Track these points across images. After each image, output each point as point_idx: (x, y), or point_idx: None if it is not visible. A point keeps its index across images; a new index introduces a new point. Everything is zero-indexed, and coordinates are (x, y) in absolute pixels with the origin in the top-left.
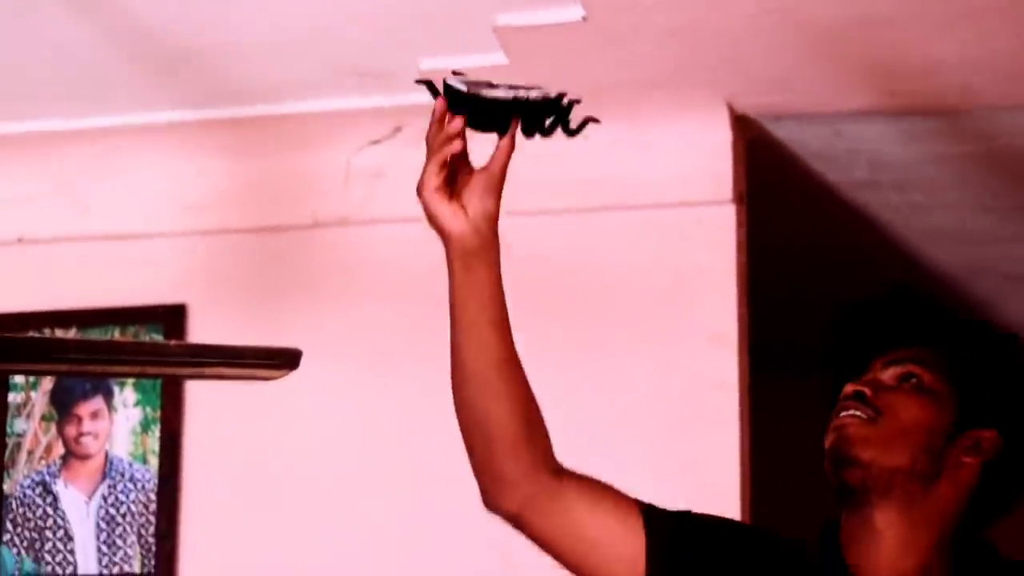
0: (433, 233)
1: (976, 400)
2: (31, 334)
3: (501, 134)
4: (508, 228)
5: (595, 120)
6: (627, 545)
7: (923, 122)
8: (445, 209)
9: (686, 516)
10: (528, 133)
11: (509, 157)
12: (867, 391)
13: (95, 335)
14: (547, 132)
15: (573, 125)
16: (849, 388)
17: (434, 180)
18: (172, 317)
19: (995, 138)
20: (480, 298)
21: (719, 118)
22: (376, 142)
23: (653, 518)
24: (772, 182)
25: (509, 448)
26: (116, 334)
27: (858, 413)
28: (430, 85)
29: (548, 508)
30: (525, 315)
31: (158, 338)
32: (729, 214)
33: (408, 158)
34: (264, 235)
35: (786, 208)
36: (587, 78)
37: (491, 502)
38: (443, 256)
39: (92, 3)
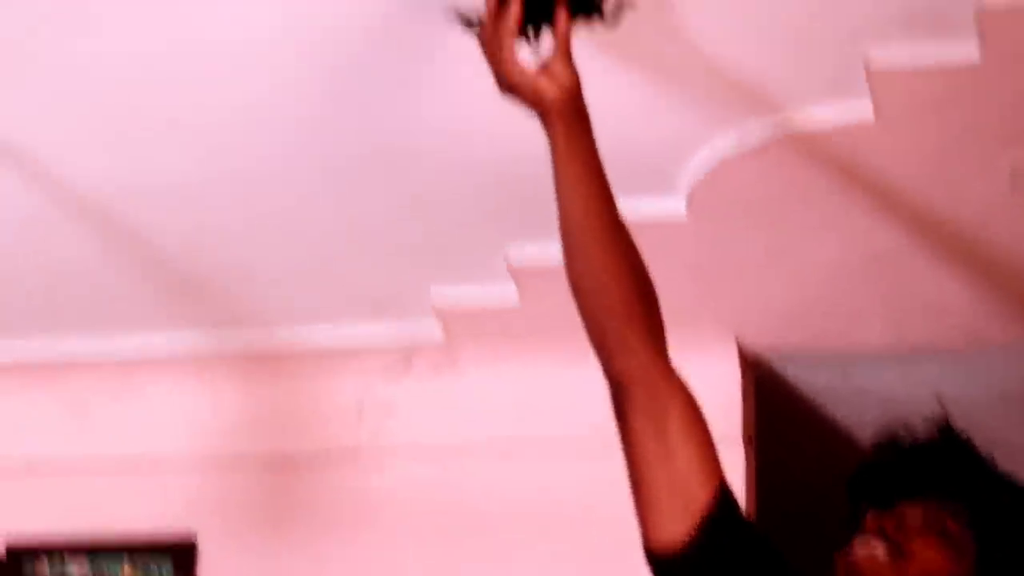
0: (445, 466)
1: (997, 558)
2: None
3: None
4: (516, 460)
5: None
6: (693, 488)
7: (931, 364)
8: (540, 79)
9: (750, 526)
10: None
11: (569, 30)
12: (891, 527)
13: (105, 564)
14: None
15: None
16: (873, 521)
17: (515, 60)
18: (182, 552)
19: (1004, 379)
20: (584, 158)
21: (728, 356)
22: (388, 374)
23: (726, 498)
24: (781, 421)
25: (625, 312)
26: (126, 567)
27: (880, 551)
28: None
29: (656, 390)
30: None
31: (167, 572)
32: (738, 454)
33: (419, 390)
34: (275, 464)
35: (796, 447)
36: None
37: (609, 364)
38: (454, 490)
39: (108, 227)
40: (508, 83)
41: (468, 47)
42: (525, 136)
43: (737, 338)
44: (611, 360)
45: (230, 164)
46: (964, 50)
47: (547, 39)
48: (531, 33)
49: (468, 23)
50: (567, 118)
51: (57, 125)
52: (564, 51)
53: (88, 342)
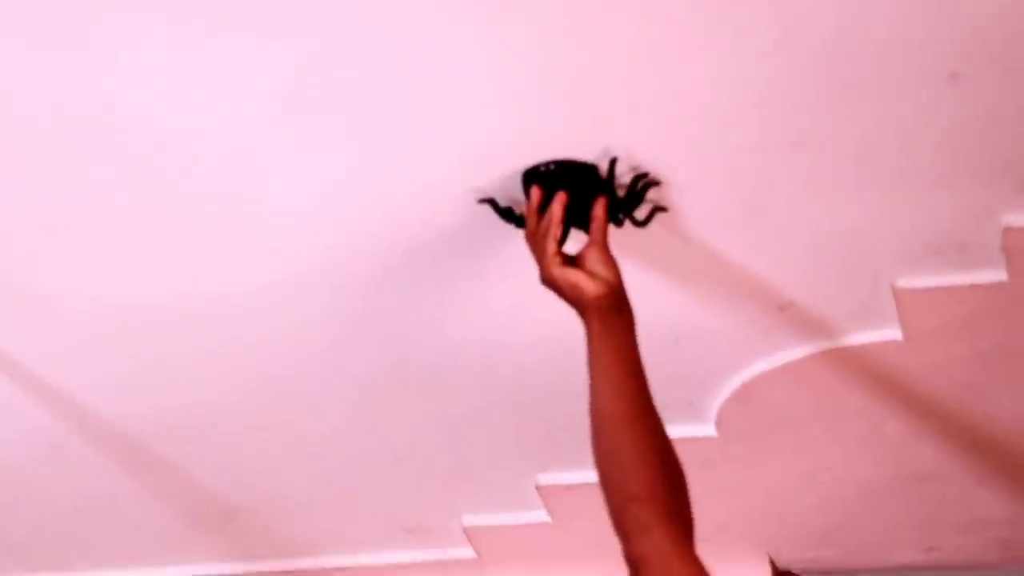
0: None
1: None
2: None
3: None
4: None
5: (663, 209)
6: None
7: None
8: (579, 276)
9: None
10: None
11: (607, 225)
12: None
13: None
14: (623, 215)
15: (642, 215)
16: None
17: (557, 258)
18: None
19: None
20: (617, 349)
21: (760, 572)
22: None
23: None
24: None
25: (647, 493)
26: None
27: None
28: (492, 203)
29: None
30: None
31: None
32: None
33: None
34: None
35: None
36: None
37: (626, 547)
38: None
39: (138, 460)
40: (549, 278)
41: (500, 266)
42: (556, 365)
43: (769, 555)
44: (627, 542)
45: (261, 394)
46: (990, 268)
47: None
48: (570, 230)
49: (508, 216)
50: (605, 314)
51: (88, 361)
52: (603, 247)
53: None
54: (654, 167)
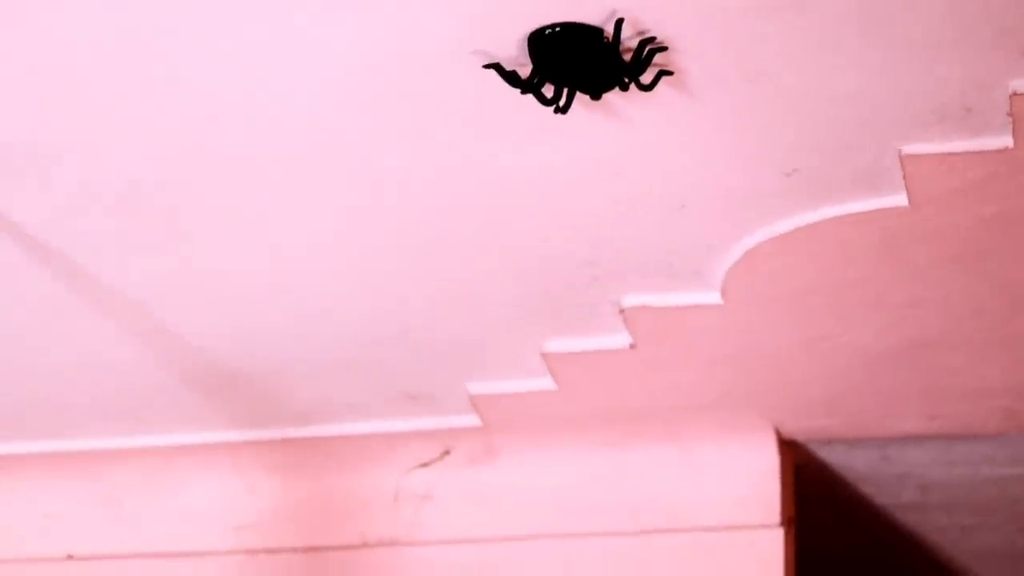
0: (481, 554)
1: None
2: None
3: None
4: (555, 550)
5: (669, 72)
6: None
7: (969, 445)
8: None
9: None
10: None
11: None
12: None
13: None
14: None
15: (647, 79)
16: None
17: None
18: None
19: None
20: None
21: (766, 442)
22: (425, 464)
23: None
24: (820, 505)
25: None
26: None
27: None
28: (497, 67)
29: None
30: None
31: None
32: (777, 537)
33: (457, 481)
34: (312, 555)
35: (834, 531)
36: (634, 402)
37: None
38: None
39: (142, 327)
40: None
41: (505, 130)
42: (561, 232)
43: (774, 424)
44: None
45: (264, 259)
46: (997, 134)
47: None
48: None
49: (513, 80)
50: None
51: (88, 223)
52: None
53: (122, 440)
54: (659, 30)
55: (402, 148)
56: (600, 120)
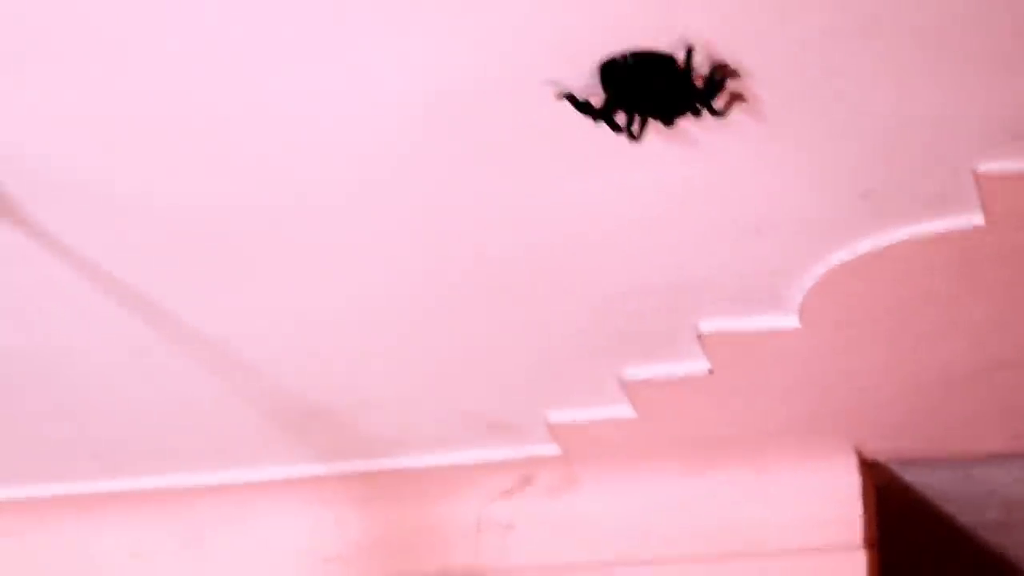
0: None
1: None
2: None
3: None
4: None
5: (741, 98)
6: None
7: None
8: None
9: None
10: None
11: None
12: None
13: None
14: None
15: (720, 105)
16: None
17: None
18: None
19: None
20: None
21: (847, 464)
22: (506, 494)
23: None
24: (902, 526)
25: None
26: None
27: None
28: (571, 98)
29: None
30: None
31: None
32: (860, 560)
33: (538, 509)
34: None
35: (918, 552)
36: (713, 428)
37: None
38: None
39: (224, 364)
40: None
41: (579, 160)
42: (639, 259)
43: (855, 445)
44: None
45: (343, 294)
46: None
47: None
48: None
49: (586, 110)
50: None
51: (171, 264)
52: None
53: (208, 477)
54: (730, 56)
55: (478, 178)
56: (675, 147)
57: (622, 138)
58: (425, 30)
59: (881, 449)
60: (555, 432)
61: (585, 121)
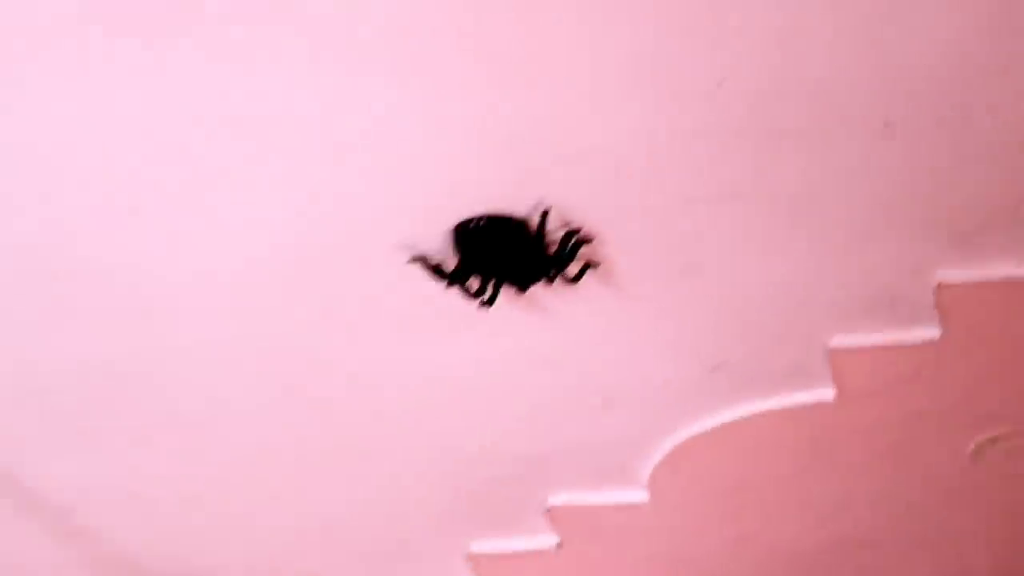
0: None
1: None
2: None
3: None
4: None
5: (595, 265)
6: None
7: None
8: None
9: None
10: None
11: None
12: None
13: None
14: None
15: (573, 271)
16: None
17: None
18: None
19: None
20: None
21: None
22: None
23: None
24: None
25: None
26: None
27: None
28: (423, 260)
29: None
30: None
31: None
32: None
33: None
34: None
35: None
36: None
37: None
38: None
39: (66, 533)
40: None
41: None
42: (487, 428)
43: None
44: None
45: (192, 465)
46: (924, 325)
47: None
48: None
49: (439, 274)
50: None
51: (16, 424)
52: None
53: None
54: (587, 220)
55: (323, 343)
56: (526, 314)
57: (473, 305)
58: (282, 187)
59: None
60: (474, 562)
61: (437, 287)
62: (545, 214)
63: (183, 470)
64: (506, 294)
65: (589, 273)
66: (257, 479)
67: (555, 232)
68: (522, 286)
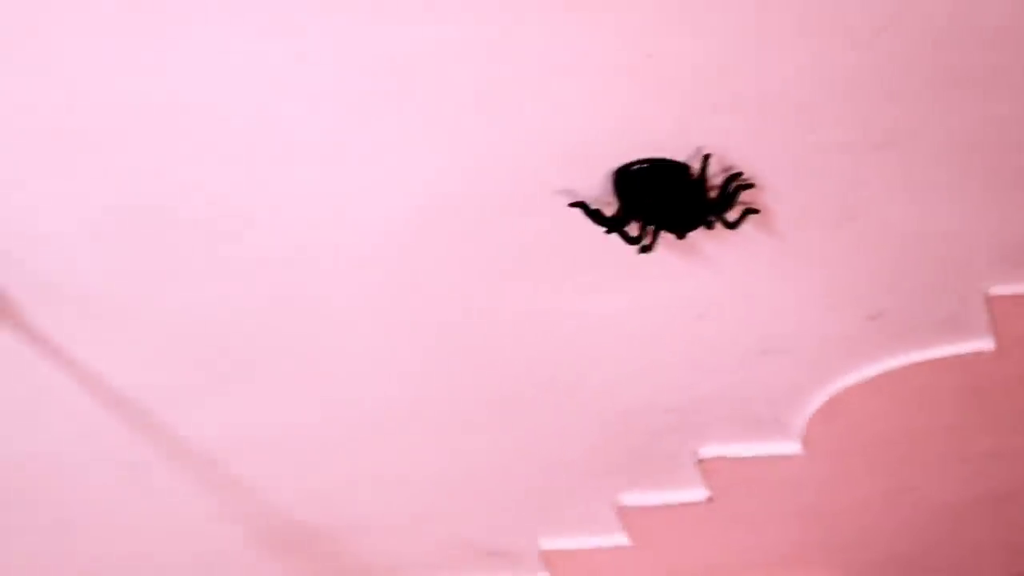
0: None
1: None
2: None
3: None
4: None
5: (755, 211)
6: None
7: None
8: None
9: None
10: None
11: None
12: None
13: None
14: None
15: (733, 217)
16: None
17: None
18: None
19: None
20: None
21: None
22: None
23: None
24: None
25: None
26: None
27: None
28: (583, 206)
29: None
30: None
31: None
32: None
33: None
34: None
35: None
36: (709, 559)
37: None
38: None
39: (215, 480)
40: None
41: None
42: (642, 378)
43: None
44: None
45: (338, 414)
46: None
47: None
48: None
49: (598, 219)
50: None
51: (163, 375)
52: None
53: None
54: (746, 167)
55: (482, 290)
56: (684, 262)
57: (630, 253)
58: (436, 135)
59: None
60: (548, 560)
61: (595, 234)
62: (706, 159)
63: (332, 420)
64: (665, 240)
65: (749, 220)
66: (406, 430)
67: (715, 178)
68: (681, 232)
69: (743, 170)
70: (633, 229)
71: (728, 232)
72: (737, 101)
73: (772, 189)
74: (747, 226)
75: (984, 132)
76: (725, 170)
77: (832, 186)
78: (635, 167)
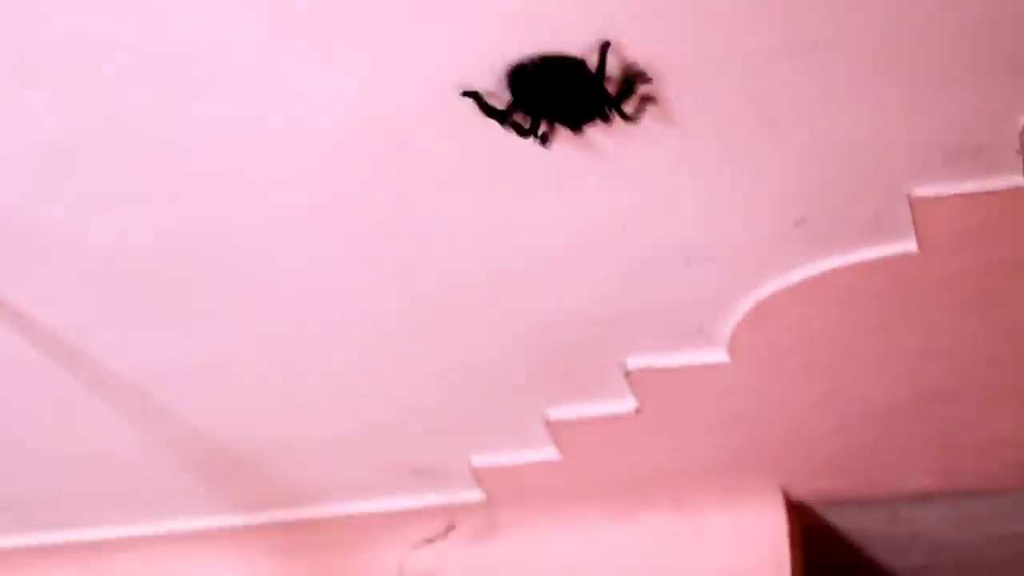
0: None
1: None
2: None
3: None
4: None
5: (652, 100)
6: None
7: (982, 502)
8: None
9: None
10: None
11: None
12: None
13: None
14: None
15: (631, 109)
16: None
17: None
18: None
19: None
20: None
21: (774, 506)
22: (429, 541)
23: None
24: (829, 569)
25: None
26: None
27: None
28: (475, 96)
29: None
30: None
31: None
32: None
33: (462, 556)
34: None
35: None
36: (640, 469)
37: None
38: None
39: (142, 409)
40: None
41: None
42: (566, 291)
43: (782, 486)
44: None
45: (266, 339)
46: (1008, 173)
47: None
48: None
49: (491, 112)
50: None
51: (87, 304)
52: None
53: (123, 529)
54: (663, 70)
55: (401, 209)
56: (603, 177)
57: (554, 163)
58: (356, 54)
59: (809, 490)
60: (479, 476)
61: (518, 146)
62: (605, 48)
63: (256, 345)
64: (590, 151)
65: (665, 128)
66: (330, 352)
67: (613, 71)
68: (576, 125)
69: (659, 73)
70: (527, 123)
71: (652, 143)
72: (653, 3)
73: (691, 94)
74: (668, 138)
75: (900, 31)
76: (625, 65)
77: (752, 90)
78: (529, 63)
